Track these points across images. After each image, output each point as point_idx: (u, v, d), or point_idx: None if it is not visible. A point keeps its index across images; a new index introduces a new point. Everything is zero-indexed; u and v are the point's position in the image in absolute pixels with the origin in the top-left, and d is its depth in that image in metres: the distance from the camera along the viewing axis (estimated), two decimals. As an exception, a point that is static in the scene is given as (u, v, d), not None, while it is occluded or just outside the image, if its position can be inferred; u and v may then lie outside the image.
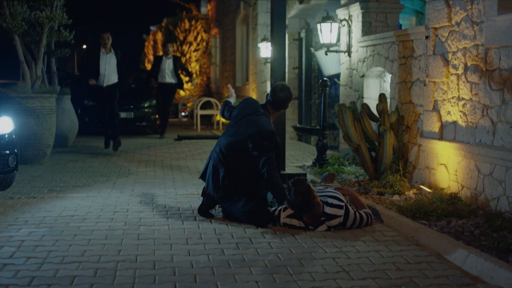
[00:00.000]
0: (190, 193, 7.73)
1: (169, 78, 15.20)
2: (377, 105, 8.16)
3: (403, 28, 12.98)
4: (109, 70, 12.16)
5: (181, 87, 15.90)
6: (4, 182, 7.70)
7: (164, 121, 15.57)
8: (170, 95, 15.49)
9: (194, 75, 24.81)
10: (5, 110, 7.88)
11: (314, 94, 13.95)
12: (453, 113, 7.03)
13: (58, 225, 5.99)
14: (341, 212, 5.84)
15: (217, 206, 6.49)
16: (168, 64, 15.22)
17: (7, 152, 7.46)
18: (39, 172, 9.26)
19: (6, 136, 7.51)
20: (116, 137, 12.31)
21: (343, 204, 5.91)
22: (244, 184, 6.20)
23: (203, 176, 6.49)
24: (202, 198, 6.53)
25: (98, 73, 12.06)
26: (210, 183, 6.29)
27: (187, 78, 18.76)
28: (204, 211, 6.42)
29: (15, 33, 10.15)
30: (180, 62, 15.86)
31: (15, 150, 7.62)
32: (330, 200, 5.91)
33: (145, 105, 16.35)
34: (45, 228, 5.89)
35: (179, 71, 15.65)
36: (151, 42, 31.46)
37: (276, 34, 8.15)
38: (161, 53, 16.03)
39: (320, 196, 5.96)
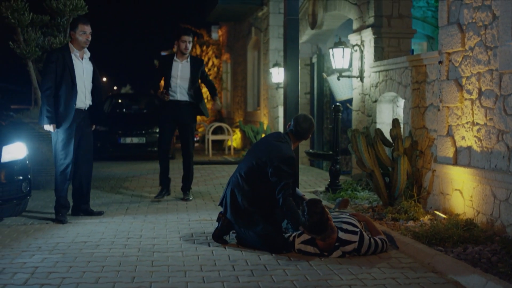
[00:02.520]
0: (203, 219, 7.69)
1: (184, 94, 9.19)
2: (390, 130, 8.13)
3: (415, 53, 12.98)
4: (87, 84, 7.78)
5: (204, 112, 9.51)
6: (17, 208, 7.70)
7: (186, 168, 9.38)
8: (190, 124, 9.32)
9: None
10: (18, 136, 7.90)
11: (326, 120, 13.93)
12: (467, 138, 6.99)
13: (72, 252, 5.97)
14: (355, 238, 5.79)
15: (232, 232, 6.45)
16: (182, 70, 9.19)
17: (21, 177, 7.47)
18: (51, 198, 9.23)
19: (20, 162, 7.53)
20: (87, 205, 8.04)
21: (357, 230, 5.86)
22: (262, 209, 6.17)
23: (222, 203, 6.47)
24: (217, 223, 6.50)
25: (73, 88, 7.55)
26: (228, 208, 6.26)
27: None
28: (219, 237, 6.38)
29: (29, 59, 10.21)
30: (203, 69, 9.50)
31: (29, 176, 7.63)
32: (344, 226, 5.87)
33: (156, 130, 16.35)
34: (59, 254, 5.86)
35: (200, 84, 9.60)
36: (163, 67, 31.56)
37: (289, 59, 8.17)
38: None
39: (334, 222, 5.92)
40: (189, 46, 9.14)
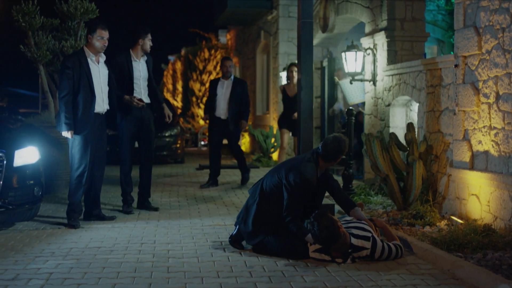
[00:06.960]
0: (217, 224, 7.61)
1: (146, 96, 8.60)
2: (405, 134, 8.06)
3: (427, 56, 12.89)
4: (104, 88, 7.68)
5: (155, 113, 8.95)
6: (30, 212, 7.64)
7: (146, 178, 8.83)
8: (152, 128, 8.83)
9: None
10: (30, 140, 7.85)
11: (338, 123, 13.86)
12: (484, 142, 6.90)
13: (86, 257, 5.91)
14: (368, 244, 5.72)
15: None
16: (142, 70, 8.53)
17: (32, 182, 7.42)
18: (63, 202, 9.19)
19: (32, 166, 7.48)
20: (99, 210, 7.94)
21: (370, 235, 5.78)
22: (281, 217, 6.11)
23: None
24: (231, 228, 6.42)
25: (92, 94, 7.45)
26: (249, 214, 6.20)
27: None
28: (236, 242, 6.31)
29: (40, 63, 10.18)
30: (151, 67, 8.82)
31: (41, 180, 7.58)
32: (355, 231, 5.79)
33: (166, 134, 16.29)
34: (73, 260, 5.80)
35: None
36: (170, 72, 31.55)
37: (303, 63, 8.09)
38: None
39: (344, 227, 5.82)
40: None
